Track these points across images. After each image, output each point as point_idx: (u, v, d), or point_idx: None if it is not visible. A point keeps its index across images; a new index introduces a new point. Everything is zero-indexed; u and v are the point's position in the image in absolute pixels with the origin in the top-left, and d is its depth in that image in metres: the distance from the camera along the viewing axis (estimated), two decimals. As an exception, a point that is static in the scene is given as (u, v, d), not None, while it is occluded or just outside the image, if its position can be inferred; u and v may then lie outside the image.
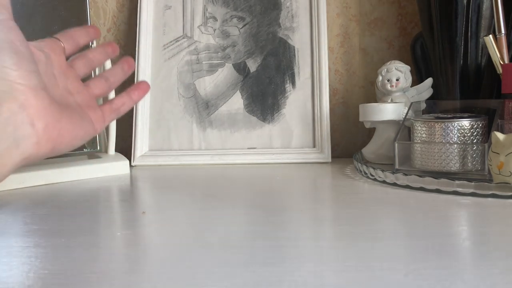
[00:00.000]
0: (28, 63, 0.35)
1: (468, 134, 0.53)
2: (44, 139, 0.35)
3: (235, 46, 0.74)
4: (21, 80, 0.34)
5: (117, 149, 0.71)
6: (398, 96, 0.65)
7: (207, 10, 0.75)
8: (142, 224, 0.42)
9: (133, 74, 0.75)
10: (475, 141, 0.53)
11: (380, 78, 0.65)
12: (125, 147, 0.78)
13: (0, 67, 0.33)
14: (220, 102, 0.74)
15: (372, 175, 0.55)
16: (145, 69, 0.74)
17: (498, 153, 0.46)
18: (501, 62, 0.57)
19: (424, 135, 0.55)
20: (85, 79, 0.46)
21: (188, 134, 0.74)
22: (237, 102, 0.73)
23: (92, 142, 0.67)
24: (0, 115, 0.32)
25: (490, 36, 0.57)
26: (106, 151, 0.70)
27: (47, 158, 0.63)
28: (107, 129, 0.70)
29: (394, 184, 0.52)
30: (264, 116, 0.73)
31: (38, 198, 0.52)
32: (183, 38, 0.75)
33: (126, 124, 0.80)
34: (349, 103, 0.78)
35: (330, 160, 0.69)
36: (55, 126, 0.36)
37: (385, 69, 0.64)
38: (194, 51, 0.75)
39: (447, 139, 0.53)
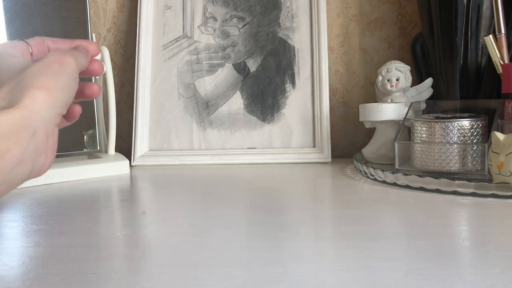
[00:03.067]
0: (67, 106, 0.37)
1: (468, 134, 0.53)
2: (43, 170, 0.36)
3: (235, 46, 0.74)
4: (59, 115, 0.36)
5: (117, 149, 0.71)
6: (398, 96, 0.65)
7: (207, 10, 0.75)
8: (142, 224, 0.42)
9: (133, 74, 0.75)
10: (475, 141, 0.53)
11: (380, 78, 0.65)
12: (125, 147, 0.78)
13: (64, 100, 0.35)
14: (220, 102, 0.74)
15: (372, 175, 0.55)
16: (145, 69, 0.74)
17: (498, 153, 0.46)
18: (501, 62, 0.57)
19: (424, 135, 0.55)
20: None
21: (188, 134, 0.74)
22: (237, 102, 0.73)
23: (92, 142, 0.67)
24: (33, 140, 0.33)
25: (490, 36, 0.57)
26: (106, 151, 0.70)
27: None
28: (107, 129, 0.70)
29: (394, 184, 0.52)
30: (264, 116, 0.73)
31: (38, 198, 0.52)
32: (183, 38, 0.75)
33: (126, 124, 0.80)
34: (349, 103, 0.78)
35: (330, 160, 0.69)
36: (52, 161, 0.37)
37: (385, 69, 0.64)
38: (194, 51, 0.75)
39: (447, 139, 0.53)
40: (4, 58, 0.38)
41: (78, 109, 0.44)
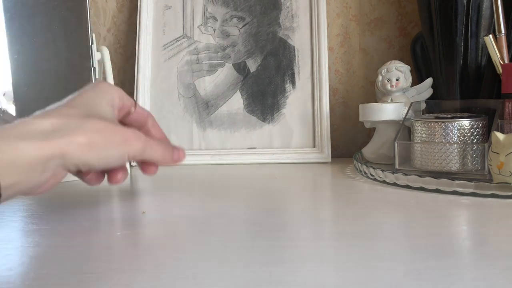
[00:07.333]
0: None
1: (468, 134, 0.53)
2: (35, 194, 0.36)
3: (235, 46, 0.74)
4: (77, 169, 0.36)
5: (117, 149, 0.71)
6: (398, 96, 0.65)
7: (207, 10, 0.75)
8: (142, 224, 0.42)
9: (133, 74, 0.75)
10: (475, 141, 0.53)
11: (380, 78, 0.65)
12: (125, 147, 0.77)
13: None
14: (220, 102, 0.74)
15: (372, 175, 0.55)
16: (145, 69, 0.74)
17: (498, 153, 0.46)
18: (501, 62, 0.57)
19: (424, 135, 0.55)
20: None
21: (188, 134, 0.74)
22: (237, 102, 0.73)
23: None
24: (42, 176, 0.33)
25: (490, 36, 0.57)
26: (106, 151, 0.69)
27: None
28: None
29: (394, 184, 0.52)
30: (264, 116, 0.73)
31: (38, 198, 0.52)
32: (183, 38, 0.75)
33: (126, 124, 0.79)
34: (349, 103, 0.78)
35: (330, 160, 0.69)
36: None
37: (385, 69, 0.64)
38: (194, 51, 0.75)
39: (447, 139, 0.53)
40: (102, 102, 0.37)
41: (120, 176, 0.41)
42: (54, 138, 0.32)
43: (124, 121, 0.43)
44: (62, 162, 0.33)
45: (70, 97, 0.37)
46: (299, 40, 0.73)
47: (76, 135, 0.33)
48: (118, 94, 0.40)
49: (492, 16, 0.61)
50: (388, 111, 0.62)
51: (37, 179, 0.32)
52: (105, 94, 0.38)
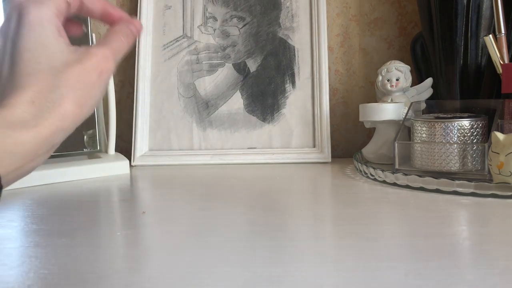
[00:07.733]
0: None
1: (468, 134, 0.53)
2: None
3: (235, 46, 0.74)
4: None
5: (117, 149, 0.71)
6: (398, 96, 0.65)
7: (207, 10, 0.75)
8: (142, 224, 0.42)
9: (133, 74, 0.75)
10: (475, 141, 0.53)
11: (380, 78, 0.65)
12: (125, 147, 0.78)
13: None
14: (220, 102, 0.74)
15: (372, 175, 0.55)
16: (145, 69, 0.74)
17: (498, 153, 0.46)
18: (501, 62, 0.57)
19: (424, 135, 0.55)
20: None
21: (188, 134, 0.74)
22: (237, 102, 0.73)
23: (92, 142, 0.67)
24: (48, 153, 0.33)
25: (490, 36, 0.57)
26: (106, 151, 0.70)
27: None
28: (107, 129, 0.70)
29: (394, 184, 0.52)
30: (264, 116, 0.73)
31: (38, 198, 0.52)
32: (183, 38, 0.75)
33: (126, 124, 0.80)
34: (349, 103, 0.78)
35: (330, 160, 0.69)
36: None
37: (385, 69, 0.64)
38: (194, 51, 0.75)
39: (447, 139, 0.53)
40: (50, 40, 0.33)
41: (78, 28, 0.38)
42: (45, 119, 0.31)
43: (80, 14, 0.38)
44: (65, 133, 0.33)
45: (13, 53, 0.33)
46: (299, 40, 0.73)
47: (62, 106, 0.32)
48: (53, 12, 0.34)
49: (492, 16, 0.61)
50: (388, 111, 0.62)
51: (46, 155, 0.32)
52: (42, 26, 0.34)
